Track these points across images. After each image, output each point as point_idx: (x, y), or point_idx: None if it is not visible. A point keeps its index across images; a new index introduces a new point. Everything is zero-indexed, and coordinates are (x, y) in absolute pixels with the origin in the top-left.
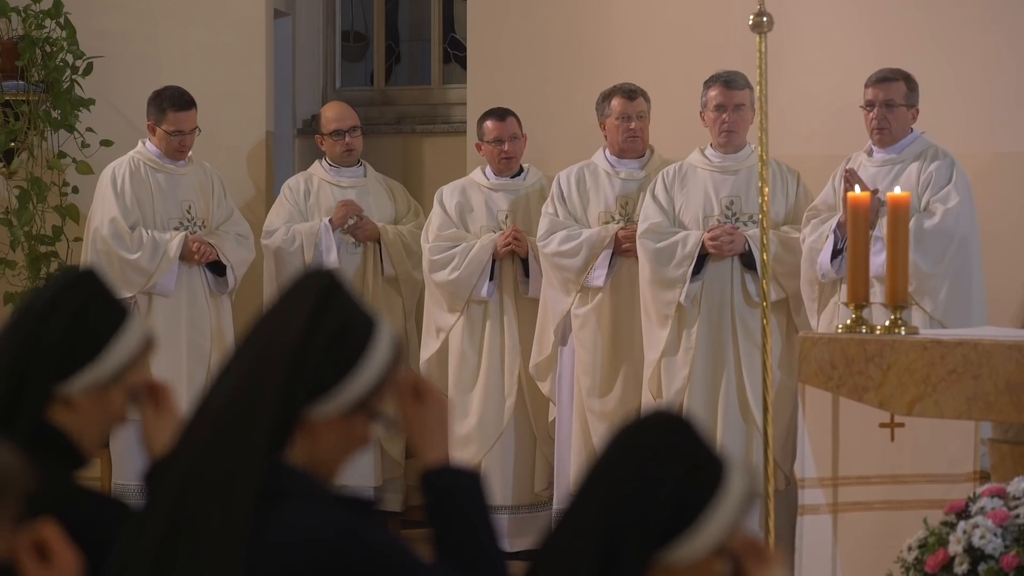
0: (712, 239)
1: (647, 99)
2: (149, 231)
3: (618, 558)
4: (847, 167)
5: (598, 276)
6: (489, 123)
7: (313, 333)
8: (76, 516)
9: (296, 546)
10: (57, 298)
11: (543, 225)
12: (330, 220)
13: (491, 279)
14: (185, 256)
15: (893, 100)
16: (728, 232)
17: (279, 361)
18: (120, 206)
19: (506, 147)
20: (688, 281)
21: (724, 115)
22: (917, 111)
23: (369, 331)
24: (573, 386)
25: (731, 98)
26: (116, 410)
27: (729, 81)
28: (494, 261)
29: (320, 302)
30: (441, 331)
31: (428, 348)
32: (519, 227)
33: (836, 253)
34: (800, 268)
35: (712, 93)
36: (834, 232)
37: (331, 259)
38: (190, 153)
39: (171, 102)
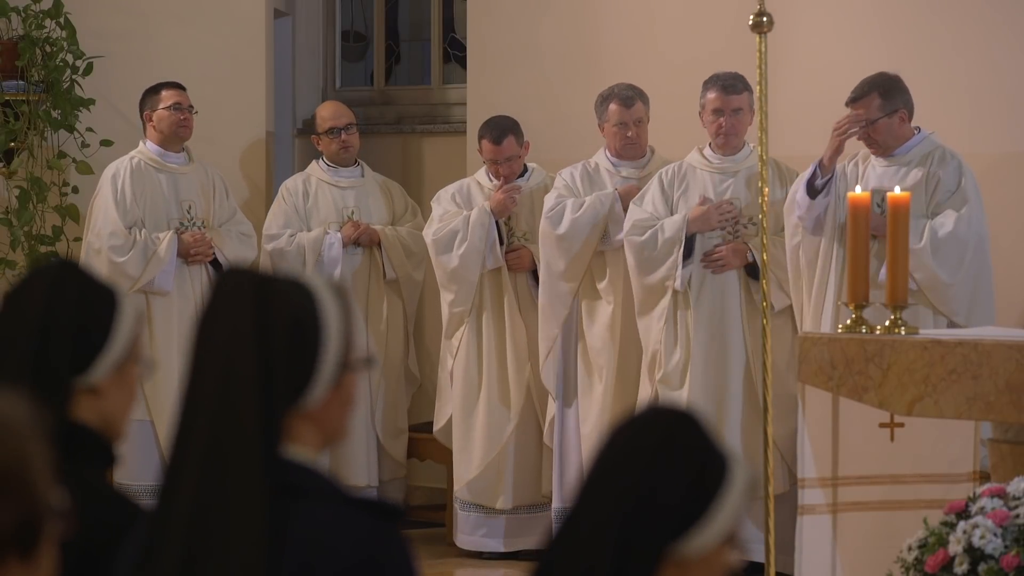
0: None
1: (645, 101)
2: (143, 232)
3: (632, 558)
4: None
5: (618, 231)
6: (485, 143)
7: (269, 343)
8: (98, 518)
9: (317, 566)
10: (53, 293)
11: (548, 202)
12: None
13: (500, 244)
14: (182, 254)
15: (868, 118)
16: (719, 208)
17: (250, 391)
18: (119, 210)
19: (501, 169)
20: (680, 266)
21: (721, 119)
22: (905, 112)
23: (315, 308)
24: (578, 383)
25: (728, 103)
26: (135, 383)
27: (727, 86)
28: (497, 223)
29: (260, 307)
30: (456, 315)
31: (454, 340)
32: (524, 228)
33: (815, 192)
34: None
35: (710, 96)
36: (814, 167)
37: (334, 276)
38: (193, 155)
39: (163, 84)
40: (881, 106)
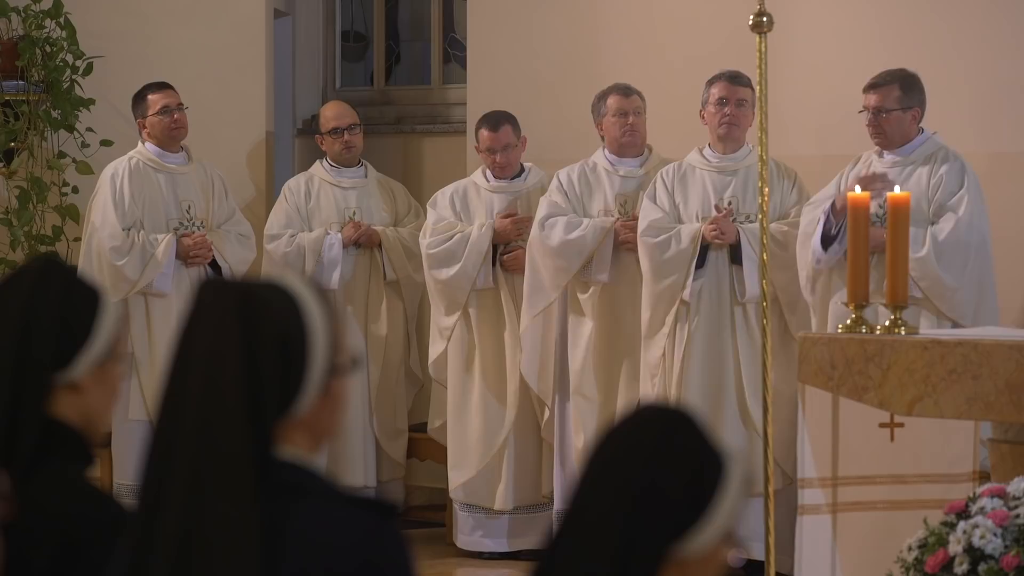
0: (713, 228)
1: (642, 98)
2: (140, 235)
3: (634, 559)
4: (869, 172)
5: (602, 271)
6: (483, 132)
7: (257, 361)
8: (80, 516)
9: (315, 564)
10: (37, 289)
11: (543, 209)
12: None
13: (493, 265)
14: (181, 257)
15: (883, 106)
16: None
17: (237, 408)
18: (118, 211)
19: (498, 158)
20: (692, 276)
21: (726, 108)
22: (918, 111)
23: (300, 319)
24: (569, 384)
25: (734, 92)
26: (116, 382)
27: (733, 77)
28: (495, 248)
29: (245, 324)
30: (445, 330)
31: (436, 347)
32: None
33: (829, 240)
34: (790, 260)
35: (714, 89)
36: (826, 215)
37: (334, 277)
38: (192, 155)
39: (148, 88)
40: (899, 99)
